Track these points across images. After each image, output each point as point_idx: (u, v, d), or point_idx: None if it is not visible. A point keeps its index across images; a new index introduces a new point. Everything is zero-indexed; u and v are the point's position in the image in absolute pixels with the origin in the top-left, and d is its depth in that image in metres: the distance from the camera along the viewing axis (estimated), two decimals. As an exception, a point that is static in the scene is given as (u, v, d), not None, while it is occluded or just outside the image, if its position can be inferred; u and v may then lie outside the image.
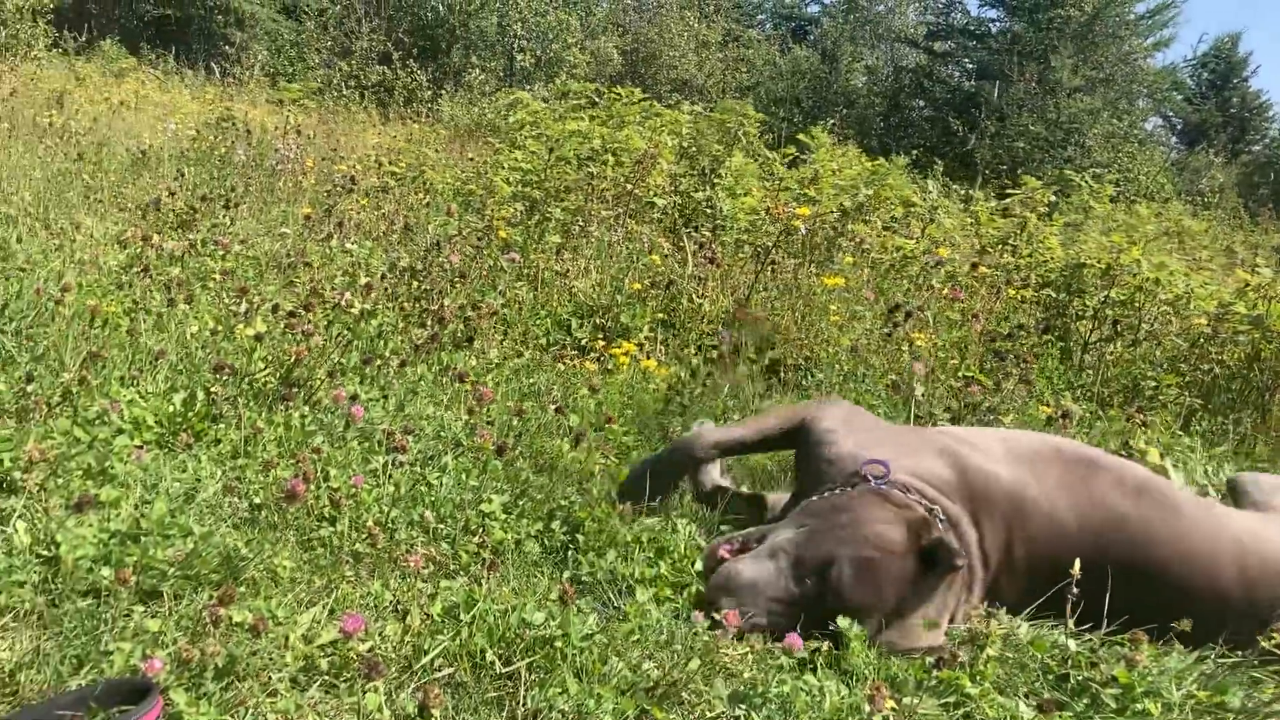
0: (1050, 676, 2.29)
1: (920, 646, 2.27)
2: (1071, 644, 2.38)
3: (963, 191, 8.96)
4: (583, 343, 4.65)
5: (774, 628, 2.22)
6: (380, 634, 2.03)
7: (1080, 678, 2.27)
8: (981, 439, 2.82)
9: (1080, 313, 5.01)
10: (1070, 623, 2.44)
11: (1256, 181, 30.27)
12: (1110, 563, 2.49)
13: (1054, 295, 5.16)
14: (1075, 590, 2.45)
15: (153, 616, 1.93)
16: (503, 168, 6.61)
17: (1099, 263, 4.92)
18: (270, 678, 1.84)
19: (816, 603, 2.25)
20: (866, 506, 2.44)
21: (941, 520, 2.49)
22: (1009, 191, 6.44)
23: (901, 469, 2.62)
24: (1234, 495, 3.10)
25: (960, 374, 4.18)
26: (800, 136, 6.97)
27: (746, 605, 2.20)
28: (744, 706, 1.96)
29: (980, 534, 2.58)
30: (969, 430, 3.01)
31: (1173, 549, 2.53)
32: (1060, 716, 2.12)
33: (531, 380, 3.97)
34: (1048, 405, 4.04)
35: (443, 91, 20.02)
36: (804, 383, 4.26)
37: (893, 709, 1.93)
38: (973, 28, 29.01)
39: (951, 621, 2.40)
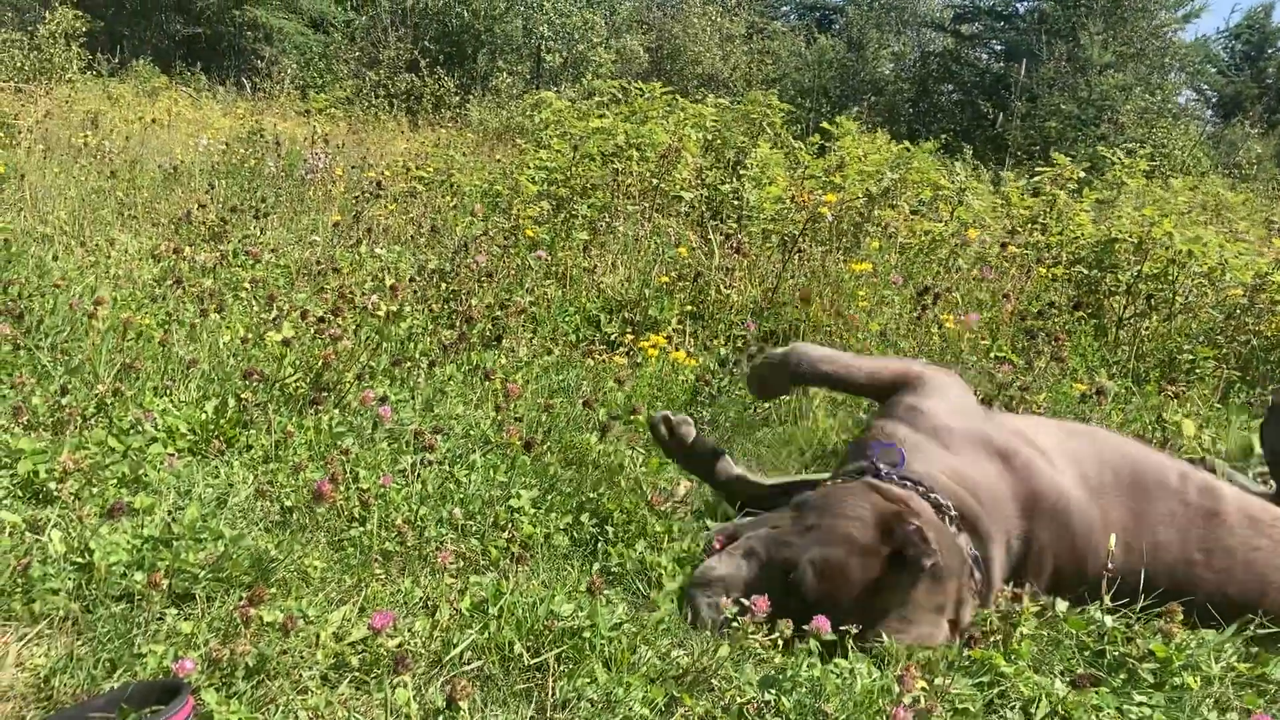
0: (1086, 653, 2.27)
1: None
2: (1108, 620, 2.35)
3: (994, 174, 8.90)
4: (612, 338, 4.66)
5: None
6: (410, 629, 2.05)
7: (1116, 653, 2.25)
8: (1041, 436, 2.70)
9: (1113, 289, 4.94)
10: (1106, 599, 2.42)
11: (1296, 152, 29.73)
12: (1165, 585, 2.46)
13: (1085, 272, 5.09)
14: (1111, 566, 2.43)
15: (185, 619, 1.96)
16: (528, 167, 6.63)
17: (1131, 237, 4.85)
18: (301, 675, 1.86)
19: (784, 603, 2.13)
20: (852, 500, 2.32)
21: (953, 517, 2.38)
22: (1039, 169, 6.37)
23: (935, 463, 2.52)
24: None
25: (991, 355, 4.15)
26: (825, 125, 6.93)
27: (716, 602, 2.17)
28: (774, 691, 1.96)
29: (1028, 544, 2.49)
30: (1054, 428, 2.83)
31: (1230, 583, 2.49)
32: (1097, 692, 2.10)
33: (560, 377, 3.98)
34: (1082, 383, 4.00)
35: (470, 97, 20.12)
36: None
37: (923, 689, 1.92)
38: (1000, 8, 28.77)
39: (958, 630, 2.26)
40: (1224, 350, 4.51)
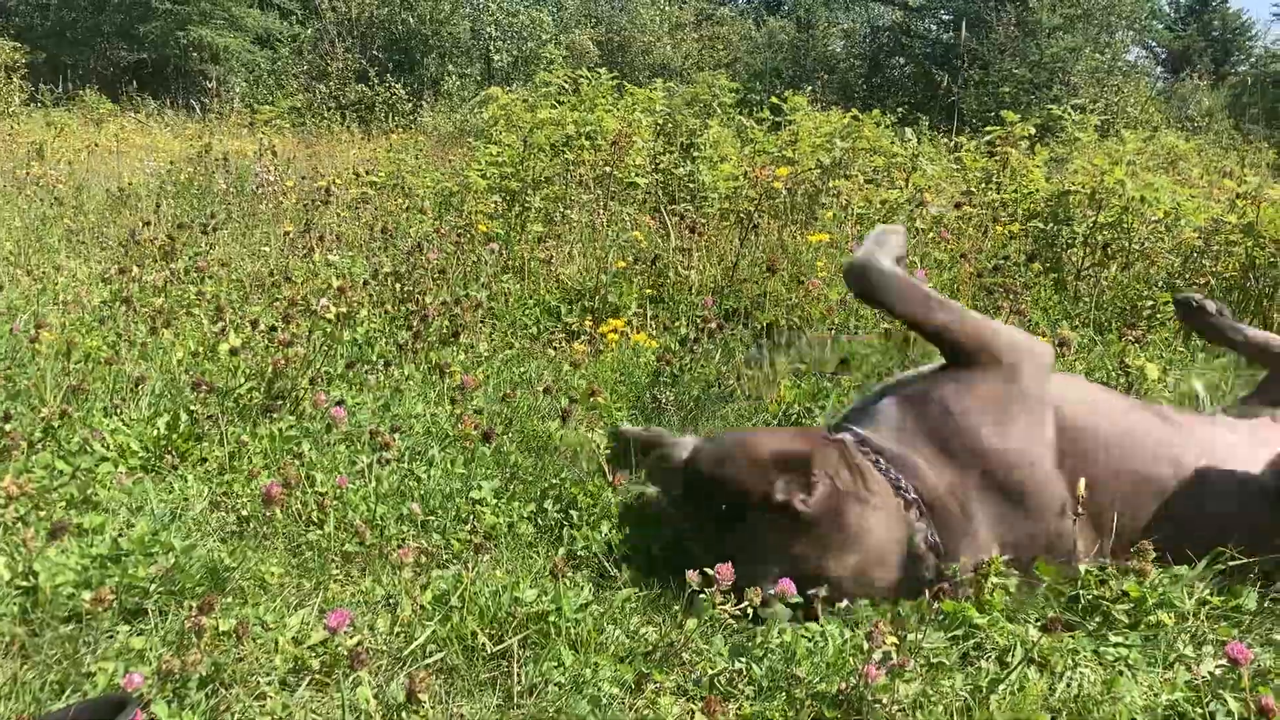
0: (1061, 599, 2.25)
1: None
2: (1081, 567, 2.33)
3: (950, 142, 8.90)
4: (572, 327, 4.61)
5: None
6: (370, 627, 2.00)
7: (1090, 597, 2.23)
8: None
9: (1070, 241, 4.94)
10: (1079, 544, 2.39)
11: (1246, 102, 29.96)
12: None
13: (1041, 227, 5.08)
14: (1081, 510, 2.38)
15: (137, 635, 1.90)
16: (478, 163, 6.57)
17: (1084, 188, 4.84)
18: (258, 682, 1.81)
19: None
20: (791, 434, 2.46)
21: (910, 500, 2.26)
22: (989, 129, 6.36)
23: (926, 476, 2.33)
24: None
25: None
26: (775, 100, 6.90)
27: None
28: (744, 660, 1.92)
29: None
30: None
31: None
32: (1073, 637, 2.07)
33: (522, 370, 3.93)
34: (1045, 335, 3.98)
35: (423, 102, 20.00)
36: (796, 343, 4.20)
37: (894, 644, 1.89)
38: (946, -24, 28.83)
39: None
40: (1182, 294, 4.50)
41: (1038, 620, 2.14)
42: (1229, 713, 1.83)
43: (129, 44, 25.56)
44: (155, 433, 2.96)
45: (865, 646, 1.83)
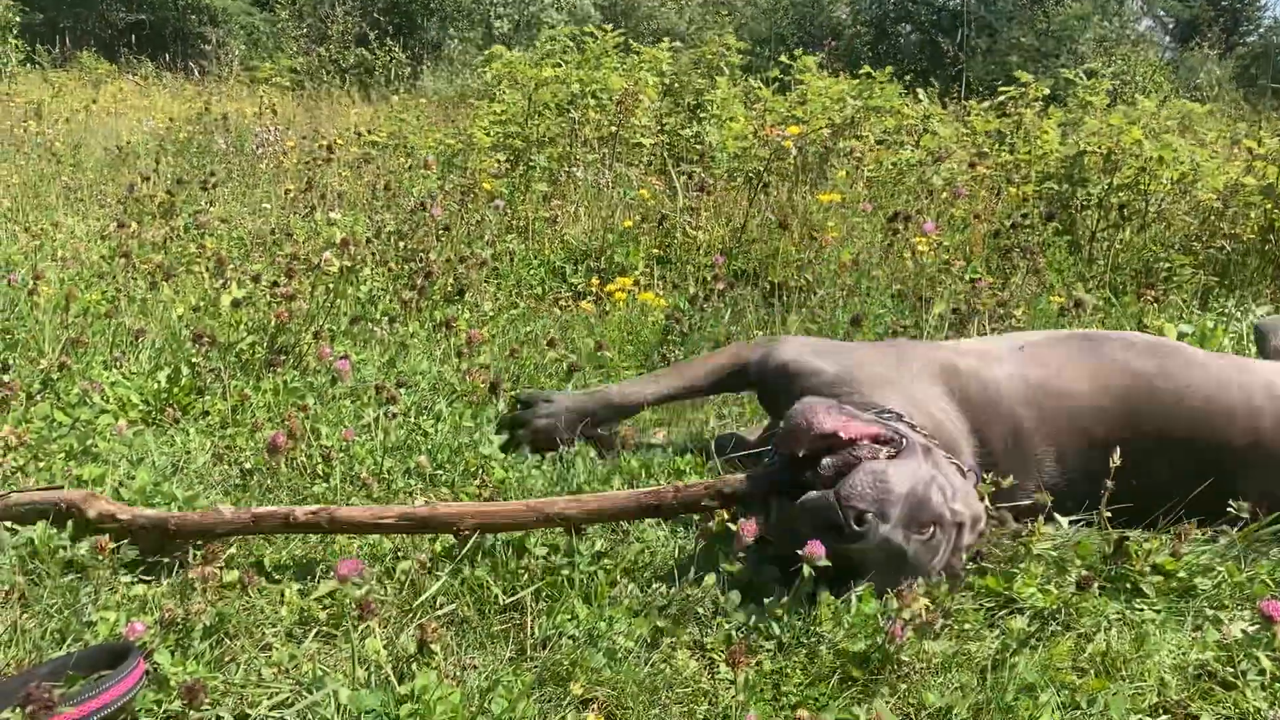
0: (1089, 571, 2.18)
1: None
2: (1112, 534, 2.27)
3: (957, 110, 8.78)
4: (578, 287, 4.54)
5: None
6: (379, 579, 1.95)
7: (1118, 570, 2.16)
8: (976, 344, 2.61)
9: (1085, 202, 4.85)
10: (1105, 513, 2.31)
11: (1254, 73, 29.66)
12: (1144, 430, 2.33)
13: (1055, 188, 5.00)
14: (1110, 483, 2.28)
15: (137, 583, 1.85)
16: (481, 120, 6.47)
17: (1100, 149, 4.76)
18: (264, 633, 1.76)
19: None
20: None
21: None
22: (1002, 89, 6.26)
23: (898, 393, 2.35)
24: (1260, 343, 2.96)
25: (966, 277, 4.06)
26: (784, 60, 6.79)
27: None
28: (766, 617, 1.86)
29: (982, 441, 2.36)
30: (966, 341, 2.73)
31: (1205, 403, 2.36)
32: (1102, 599, 2.01)
33: (528, 328, 3.87)
34: (1059, 296, 3.92)
35: (423, 67, 19.80)
36: (807, 303, 4.13)
37: (925, 607, 1.83)
38: (954, -57, 28.48)
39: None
40: (1200, 257, 4.44)
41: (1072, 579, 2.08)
42: (1261, 670, 1.78)
43: (127, 5, 25.28)
44: (156, 386, 2.90)
45: (895, 605, 1.77)
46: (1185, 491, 2.28)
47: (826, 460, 1.90)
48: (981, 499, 2.15)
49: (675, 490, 2.05)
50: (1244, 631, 1.88)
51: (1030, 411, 2.39)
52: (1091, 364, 2.43)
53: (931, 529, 1.89)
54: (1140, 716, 1.70)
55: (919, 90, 6.56)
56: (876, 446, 1.92)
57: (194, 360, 2.98)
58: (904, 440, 1.98)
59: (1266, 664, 1.77)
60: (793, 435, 1.95)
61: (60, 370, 2.87)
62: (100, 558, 1.83)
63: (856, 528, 1.79)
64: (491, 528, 1.99)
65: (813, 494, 1.87)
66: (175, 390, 2.90)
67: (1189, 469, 2.32)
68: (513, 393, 2.83)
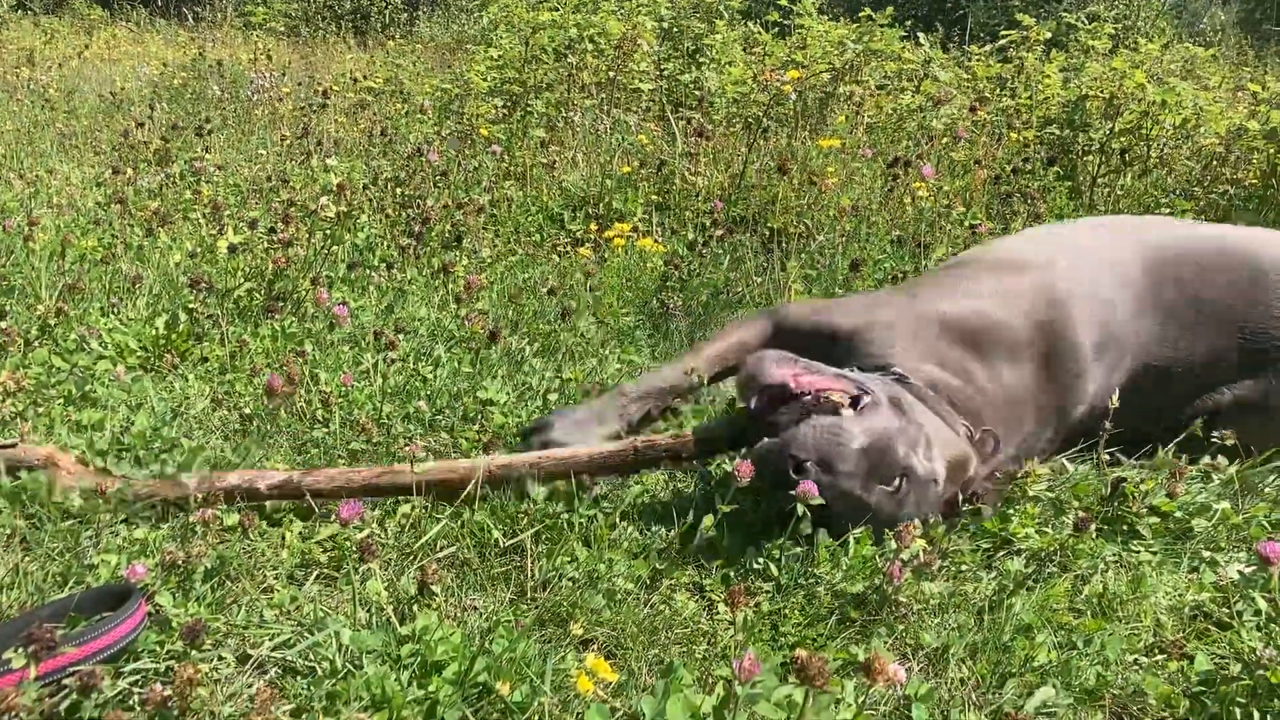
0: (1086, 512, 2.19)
1: None
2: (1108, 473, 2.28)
3: (958, 56, 8.68)
4: (577, 234, 4.52)
5: None
6: (379, 523, 1.95)
7: (1114, 511, 2.17)
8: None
9: (1086, 147, 4.82)
10: (1103, 454, 2.33)
11: (1259, 18, 29.29)
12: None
13: (1057, 133, 4.96)
14: (1109, 424, 2.29)
15: (138, 527, 1.85)
16: (478, 65, 6.41)
17: (1102, 93, 4.71)
18: (265, 575, 1.77)
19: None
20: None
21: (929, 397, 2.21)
22: (1004, 33, 6.19)
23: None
24: None
25: (966, 222, 4.04)
26: (783, 2, 6.70)
27: None
28: (764, 559, 1.88)
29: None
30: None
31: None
32: (1098, 540, 2.03)
33: (526, 275, 3.85)
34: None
35: (419, 12, 19.55)
36: (806, 248, 4.11)
37: (924, 548, 1.84)
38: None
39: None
40: (1201, 202, 4.42)
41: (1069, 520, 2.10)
42: (1257, 611, 1.79)
43: (118, -50, 24.93)
44: (154, 332, 2.89)
45: (893, 546, 1.78)
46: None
47: (782, 411, 1.94)
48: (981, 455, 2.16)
49: (635, 449, 2.05)
50: (1240, 573, 1.89)
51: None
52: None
53: (899, 481, 1.90)
54: (1136, 657, 1.71)
55: (920, 35, 6.46)
56: (836, 399, 1.94)
57: (191, 306, 2.97)
58: (869, 394, 2.00)
59: (1262, 605, 1.78)
60: (743, 387, 2.03)
61: (57, 316, 2.86)
62: (102, 500, 1.84)
63: (793, 475, 1.81)
64: (451, 486, 1.98)
65: (764, 442, 1.90)
66: (173, 336, 2.89)
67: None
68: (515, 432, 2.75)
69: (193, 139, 5.54)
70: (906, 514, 1.92)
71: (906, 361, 2.28)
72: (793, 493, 1.80)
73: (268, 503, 1.98)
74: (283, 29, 12.78)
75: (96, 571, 1.71)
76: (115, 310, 3.05)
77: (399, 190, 4.41)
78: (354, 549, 1.71)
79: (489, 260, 3.93)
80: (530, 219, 4.57)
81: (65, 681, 1.35)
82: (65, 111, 6.95)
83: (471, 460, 2.03)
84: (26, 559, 1.74)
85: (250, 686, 1.49)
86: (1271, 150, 4.31)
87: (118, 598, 1.54)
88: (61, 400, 2.44)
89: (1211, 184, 4.48)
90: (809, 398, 1.94)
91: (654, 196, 4.66)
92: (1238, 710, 1.52)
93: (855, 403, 1.98)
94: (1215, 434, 2.32)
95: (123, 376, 2.56)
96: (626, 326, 3.31)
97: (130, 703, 1.43)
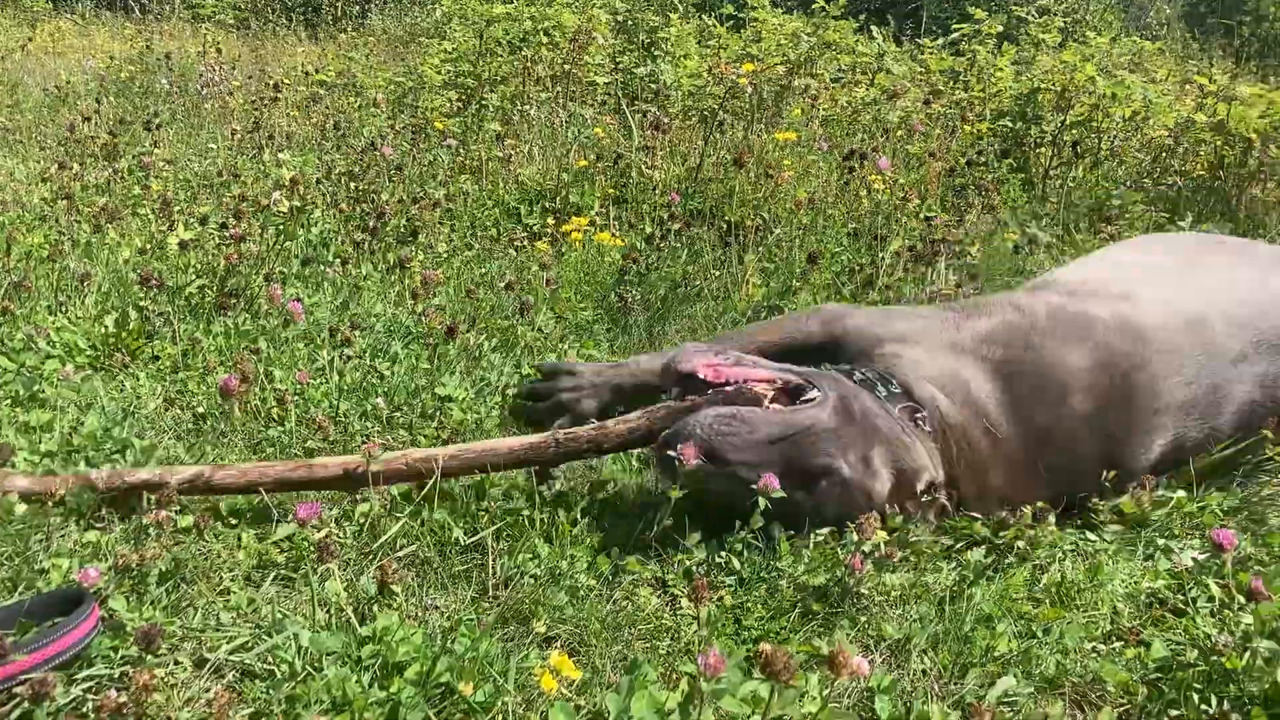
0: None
1: None
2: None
3: (912, 50, 8.75)
4: (534, 228, 4.49)
5: None
6: (337, 522, 1.93)
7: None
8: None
9: (1038, 140, 4.87)
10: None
11: (1203, 11, 29.75)
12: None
13: (1010, 125, 5.00)
14: None
15: (89, 530, 1.82)
16: (433, 58, 6.36)
17: (1054, 85, 4.76)
18: (221, 577, 1.74)
19: None
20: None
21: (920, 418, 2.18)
22: (956, 26, 6.24)
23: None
24: None
25: (921, 215, 4.06)
26: (736, -4, 6.72)
27: None
28: (725, 552, 1.88)
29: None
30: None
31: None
32: (1057, 532, 2.04)
33: (483, 270, 3.83)
34: (1014, 234, 3.94)
35: (371, 5, 19.36)
36: (764, 241, 4.12)
37: (883, 539, 1.85)
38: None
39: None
40: (1151, 194, 4.47)
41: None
42: (1210, 598, 1.82)
43: (62, -59, 24.48)
44: (103, 331, 2.84)
45: (855, 539, 1.79)
46: None
47: (692, 399, 1.97)
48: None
49: (556, 442, 2.02)
50: (1194, 560, 1.92)
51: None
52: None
53: (820, 481, 1.90)
54: (1094, 644, 1.73)
55: (873, 28, 6.50)
56: (760, 390, 1.96)
57: (142, 304, 2.92)
58: (817, 390, 2.00)
59: (1216, 591, 1.81)
60: (662, 373, 2.09)
61: (3, 315, 2.80)
62: (52, 504, 1.80)
63: (671, 459, 1.82)
64: (365, 482, 1.95)
65: (670, 429, 1.91)
66: (123, 335, 2.84)
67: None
68: (533, 364, 2.77)
69: (141, 133, 5.45)
70: (831, 514, 1.92)
71: (911, 374, 2.25)
72: (668, 479, 1.82)
73: (223, 504, 1.95)
74: (232, 21, 12.62)
75: (48, 576, 1.67)
76: (63, 308, 2.99)
77: (353, 185, 4.36)
78: (312, 549, 1.69)
79: (445, 255, 3.89)
80: (487, 213, 4.54)
81: (17, 690, 1.32)
82: (8, 106, 6.81)
83: (391, 455, 1.99)
84: (-26, 565, 1.70)
85: (208, 691, 1.47)
86: (1219, 142, 4.37)
87: (70, 603, 1.51)
88: (9, 401, 2.38)
89: (1161, 175, 4.54)
90: (731, 388, 1.95)
91: (611, 190, 4.65)
92: (1194, 695, 1.55)
93: (795, 396, 1.98)
94: None
95: (72, 376, 2.51)
96: (585, 321, 3.30)
97: (84, 710, 1.41)
